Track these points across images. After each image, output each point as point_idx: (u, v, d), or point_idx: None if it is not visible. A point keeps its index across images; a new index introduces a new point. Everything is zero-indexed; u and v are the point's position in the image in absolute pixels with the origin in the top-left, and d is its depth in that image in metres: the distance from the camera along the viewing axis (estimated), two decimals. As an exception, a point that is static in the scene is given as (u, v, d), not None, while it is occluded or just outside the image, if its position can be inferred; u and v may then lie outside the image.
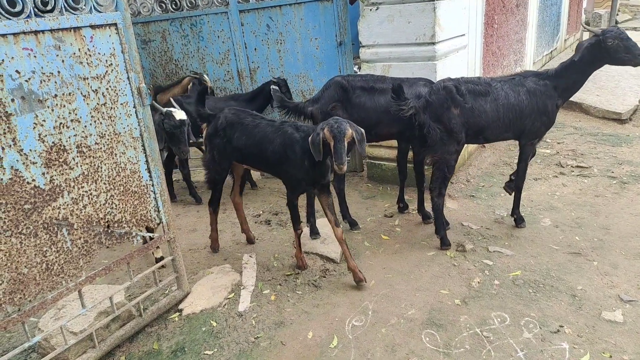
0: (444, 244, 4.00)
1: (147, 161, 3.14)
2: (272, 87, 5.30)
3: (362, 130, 3.25)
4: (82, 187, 2.77)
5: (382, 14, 4.88)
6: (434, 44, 4.75)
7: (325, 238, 4.23)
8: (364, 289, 3.52)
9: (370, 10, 4.93)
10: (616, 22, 14.04)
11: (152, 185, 3.19)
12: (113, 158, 2.93)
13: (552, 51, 11.18)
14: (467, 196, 5.01)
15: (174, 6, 6.26)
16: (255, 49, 6.00)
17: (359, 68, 5.45)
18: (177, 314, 3.41)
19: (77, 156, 2.73)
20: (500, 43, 7.14)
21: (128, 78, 2.98)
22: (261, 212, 5.04)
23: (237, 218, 4.41)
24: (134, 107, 3.04)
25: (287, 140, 3.48)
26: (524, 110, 3.86)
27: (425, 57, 4.83)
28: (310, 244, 4.17)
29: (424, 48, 4.81)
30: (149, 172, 3.16)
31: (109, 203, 2.92)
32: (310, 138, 3.22)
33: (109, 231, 2.93)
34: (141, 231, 3.16)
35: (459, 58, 5.35)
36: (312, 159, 3.32)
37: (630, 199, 4.64)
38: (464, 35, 5.46)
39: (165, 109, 4.22)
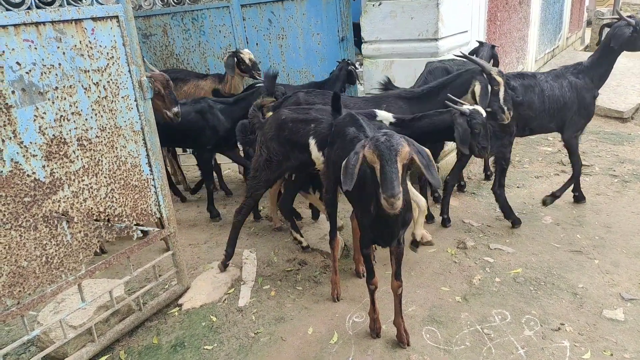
0: (516, 223, 4.22)
1: (147, 155, 3.12)
2: (351, 67, 5.10)
3: (427, 150, 2.27)
4: (83, 180, 2.75)
5: (384, 10, 4.86)
6: (436, 40, 4.73)
7: (326, 234, 4.21)
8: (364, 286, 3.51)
9: (373, 5, 4.91)
10: (618, 21, 13.98)
11: (153, 180, 3.18)
12: (114, 152, 2.92)
13: (554, 49, 11.14)
14: (468, 193, 5.00)
15: (175, 0, 6.23)
16: (256, 44, 5.97)
17: (361, 64, 5.43)
18: (177, 308, 3.40)
19: (78, 149, 2.72)
20: (503, 40, 7.11)
21: (129, 71, 2.96)
22: (262, 208, 5.02)
23: None
24: (135, 100, 3.02)
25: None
26: (567, 102, 4.11)
27: (427, 53, 4.81)
28: (311, 239, 4.16)
29: (426, 44, 4.78)
30: (150, 166, 3.15)
31: (109, 197, 2.91)
32: (344, 161, 2.28)
33: (109, 225, 2.92)
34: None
35: (461, 55, 5.33)
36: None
37: (632, 198, 4.63)
38: (466, 31, 5.43)
39: (469, 107, 3.28)
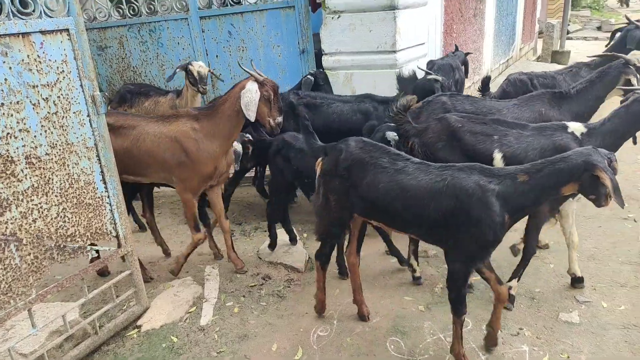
0: None
1: (102, 172, 3.02)
2: (308, 76, 5.03)
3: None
4: (32, 200, 2.63)
5: (343, 22, 4.92)
6: (394, 52, 4.82)
7: (289, 248, 4.18)
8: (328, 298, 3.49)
9: (332, 18, 4.96)
10: (568, 32, 14.68)
11: (108, 197, 3.07)
12: (65, 169, 2.81)
13: (508, 59, 11.56)
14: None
15: (131, 12, 6.09)
16: (216, 55, 5.92)
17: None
18: (136, 330, 3.28)
19: (26, 168, 2.60)
20: (459, 52, 7.31)
21: (81, 86, 2.87)
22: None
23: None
24: (88, 115, 2.92)
25: (471, 195, 2.48)
26: None
27: (386, 64, 4.89)
28: (274, 253, 4.11)
29: (385, 56, 4.87)
30: (105, 183, 3.04)
31: (61, 216, 2.79)
32: (614, 181, 2.38)
33: (62, 246, 2.79)
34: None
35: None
36: (515, 212, 2.54)
37: (584, 203, 4.76)
38: (424, 43, 5.56)
39: None
